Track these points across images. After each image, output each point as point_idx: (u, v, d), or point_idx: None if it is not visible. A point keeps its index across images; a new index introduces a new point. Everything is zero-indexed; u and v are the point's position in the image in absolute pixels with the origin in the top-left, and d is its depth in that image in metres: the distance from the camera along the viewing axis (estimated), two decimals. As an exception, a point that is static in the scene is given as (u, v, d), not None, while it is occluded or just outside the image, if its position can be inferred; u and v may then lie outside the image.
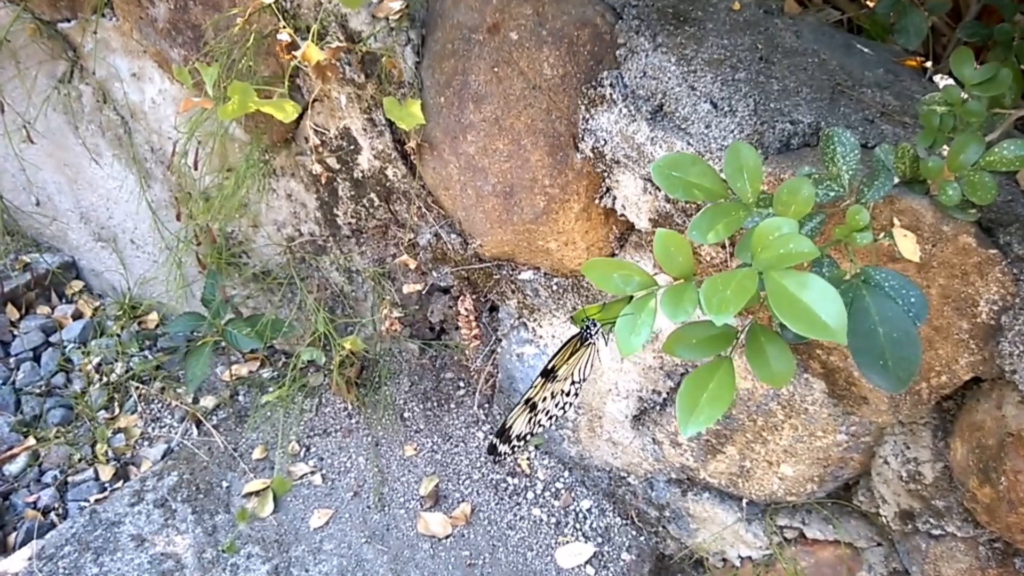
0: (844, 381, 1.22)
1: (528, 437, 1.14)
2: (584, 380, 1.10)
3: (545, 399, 1.10)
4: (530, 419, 1.12)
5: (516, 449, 1.15)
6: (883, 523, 1.37)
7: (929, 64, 1.51)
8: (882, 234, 0.98)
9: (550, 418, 1.13)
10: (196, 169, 1.67)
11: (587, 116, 1.27)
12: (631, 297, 0.84)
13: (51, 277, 2.47)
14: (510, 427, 1.12)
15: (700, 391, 0.80)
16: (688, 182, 0.88)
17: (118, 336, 2.32)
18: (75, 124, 2.16)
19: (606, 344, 1.06)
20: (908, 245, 0.96)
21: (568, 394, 1.11)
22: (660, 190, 1.22)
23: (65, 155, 2.26)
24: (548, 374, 1.07)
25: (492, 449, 1.14)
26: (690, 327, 0.86)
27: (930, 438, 1.23)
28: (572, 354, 1.05)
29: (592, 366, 1.09)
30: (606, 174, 1.30)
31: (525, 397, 1.09)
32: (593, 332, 1.03)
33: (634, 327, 0.80)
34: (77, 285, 2.56)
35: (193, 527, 1.74)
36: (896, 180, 0.98)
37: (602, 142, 1.26)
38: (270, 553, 1.68)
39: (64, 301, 2.50)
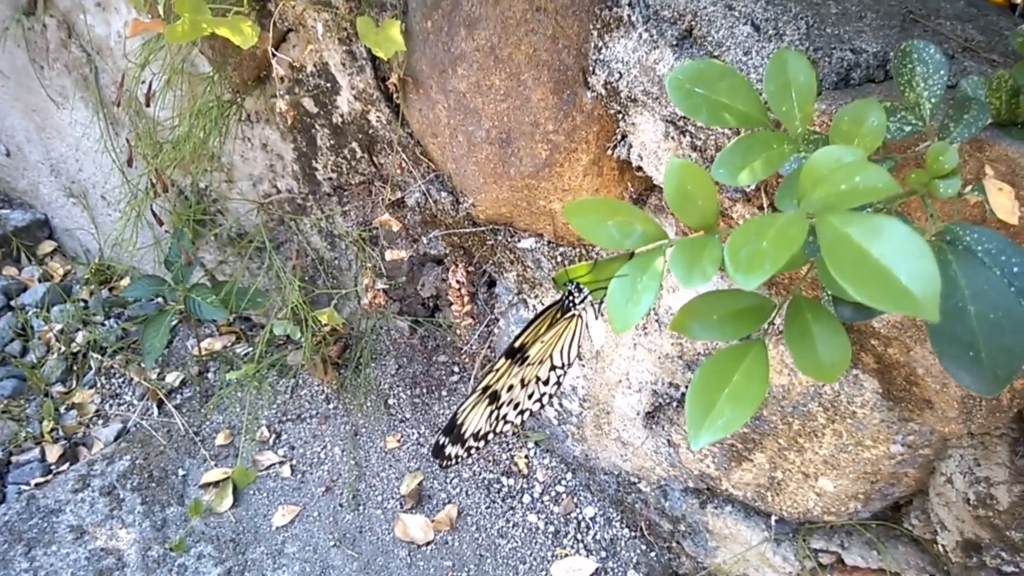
0: (904, 380, 1.01)
1: (490, 436, 0.91)
2: (568, 365, 0.86)
3: (511, 388, 0.86)
4: (491, 413, 0.88)
5: (472, 452, 0.92)
6: (939, 552, 1.16)
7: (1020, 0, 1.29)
8: (968, 188, 0.77)
9: (520, 413, 0.89)
10: (148, 105, 1.47)
11: (600, 44, 1.07)
12: (632, 255, 0.63)
13: (19, 235, 2.30)
14: (462, 423, 0.88)
15: (719, 385, 0.59)
16: (715, 101, 0.67)
17: (84, 302, 2.15)
18: (40, 63, 1.98)
19: (596, 317, 0.82)
20: (1004, 202, 0.75)
21: (546, 382, 0.87)
22: (685, 136, 1.01)
23: (32, 98, 2.09)
24: (515, 354, 0.84)
25: (438, 451, 0.90)
26: (710, 298, 0.65)
27: (1007, 454, 1.02)
28: (549, 328, 0.83)
29: (579, 347, 0.86)
30: (621, 116, 1.09)
31: (483, 384, 0.86)
32: (578, 301, 0.80)
33: (632, 294, 0.60)
34: (49, 246, 2.40)
35: (141, 520, 1.56)
36: (988, 120, 0.77)
37: (617, 75, 1.05)
38: (224, 554, 1.50)
39: (34, 262, 2.33)
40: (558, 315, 0.80)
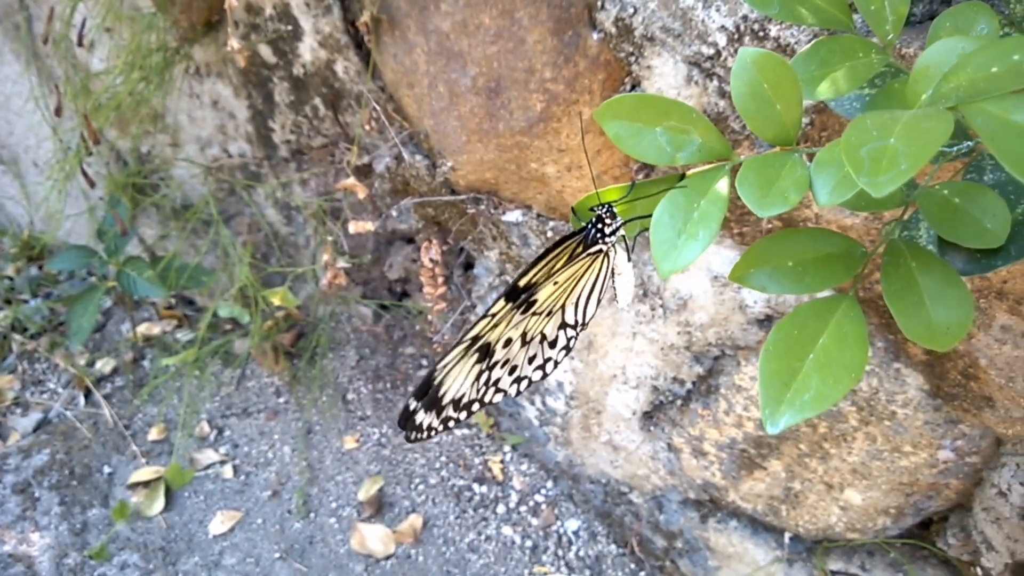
0: (960, 373, 0.88)
1: (474, 407, 0.67)
2: (583, 325, 0.66)
3: (509, 343, 0.63)
4: (479, 374, 0.64)
5: (449, 424, 0.67)
6: (979, 577, 1.04)
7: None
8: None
9: (516, 381, 0.66)
10: (81, 44, 1.32)
11: (611, -26, 0.93)
12: (682, 175, 0.50)
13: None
14: (440, 383, 0.64)
15: (802, 349, 0.46)
16: (791, -8, 0.54)
17: (10, 279, 1.98)
18: (-34, 11, 1.82)
19: (629, 257, 0.63)
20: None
21: (552, 344, 0.65)
22: (712, 79, 0.88)
23: (-43, 52, 1.92)
24: (518, 296, 0.61)
25: (406, 418, 0.66)
26: (783, 239, 0.51)
27: (1073, 464, 0.90)
28: (566, 266, 0.61)
29: (599, 299, 0.64)
30: (633, 59, 0.96)
31: (472, 333, 0.62)
32: (608, 231, 0.59)
33: (686, 223, 0.46)
34: (-26, 219, 2.23)
35: (57, 522, 1.40)
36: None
37: (631, 10, 0.92)
38: (151, 564, 1.35)
39: (-43, 237, 2.16)
40: (579, 249, 0.60)
